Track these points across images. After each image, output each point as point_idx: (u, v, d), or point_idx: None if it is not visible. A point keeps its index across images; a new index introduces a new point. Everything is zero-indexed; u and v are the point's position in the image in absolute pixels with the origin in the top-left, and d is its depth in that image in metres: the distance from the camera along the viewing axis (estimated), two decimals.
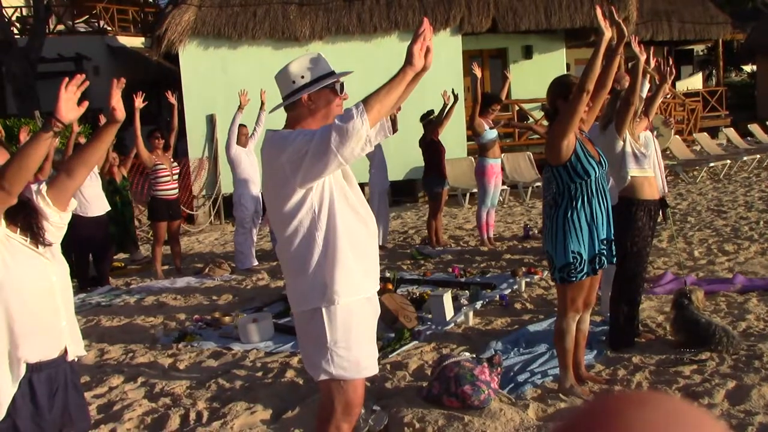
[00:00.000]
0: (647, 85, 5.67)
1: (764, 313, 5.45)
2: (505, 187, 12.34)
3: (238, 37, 13.16)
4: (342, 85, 2.92)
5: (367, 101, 2.59)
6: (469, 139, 13.13)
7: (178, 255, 8.89)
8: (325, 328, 2.77)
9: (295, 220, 2.76)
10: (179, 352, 5.61)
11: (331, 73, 2.89)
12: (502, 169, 10.03)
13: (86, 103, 2.54)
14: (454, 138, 12.62)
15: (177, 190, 8.68)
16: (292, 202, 2.75)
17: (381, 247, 8.59)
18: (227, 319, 6.27)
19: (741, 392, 4.03)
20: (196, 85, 13.05)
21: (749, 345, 4.74)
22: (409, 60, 2.63)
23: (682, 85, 24.64)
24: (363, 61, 12.33)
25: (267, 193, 2.92)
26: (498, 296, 6.37)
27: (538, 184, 12.76)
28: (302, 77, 2.83)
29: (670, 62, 5.19)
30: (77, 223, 7.89)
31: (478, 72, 8.47)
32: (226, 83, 12.50)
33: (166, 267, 8.83)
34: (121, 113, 2.63)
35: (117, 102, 2.63)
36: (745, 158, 15.05)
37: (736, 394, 4.03)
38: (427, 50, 2.66)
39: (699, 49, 27.45)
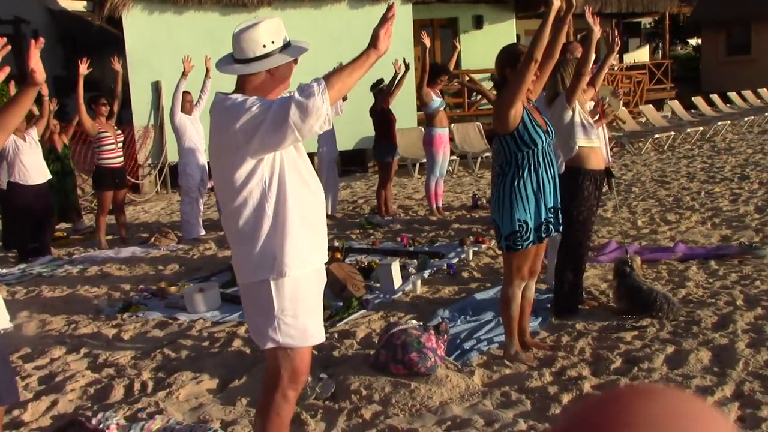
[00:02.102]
0: (593, 56, 5.71)
1: (703, 281, 5.60)
2: (454, 157, 12.39)
3: (183, 2, 12.82)
4: None
5: (329, 80, 2.55)
6: (418, 109, 13.12)
7: (123, 225, 8.73)
8: (273, 297, 2.74)
9: (245, 191, 2.69)
10: (124, 322, 5.52)
11: (290, 42, 2.83)
12: (451, 139, 10.06)
13: (7, 69, 2.44)
14: (403, 108, 12.57)
15: (122, 159, 8.50)
16: (243, 171, 2.67)
17: (330, 217, 8.57)
18: (173, 289, 6.18)
19: (679, 357, 4.14)
20: (140, 51, 12.71)
21: (688, 311, 4.87)
22: (374, 43, 2.61)
23: (630, 58, 25.00)
24: (312, 28, 12.16)
25: (215, 161, 2.82)
26: (446, 265, 6.41)
27: (487, 154, 12.84)
28: (272, 42, 2.74)
29: (617, 33, 5.23)
30: (17, 191, 7.70)
31: (427, 41, 8.44)
32: (172, 49, 12.17)
33: (110, 237, 8.67)
34: (40, 75, 2.52)
35: (36, 63, 2.53)
36: (688, 130, 15.35)
37: (674, 358, 4.14)
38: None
39: (646, 21, 27.84)
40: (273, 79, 2.77)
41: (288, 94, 2.65)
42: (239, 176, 2.69)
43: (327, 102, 2.51)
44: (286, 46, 2.79)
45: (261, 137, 2.58)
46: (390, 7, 2.64)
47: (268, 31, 2.74)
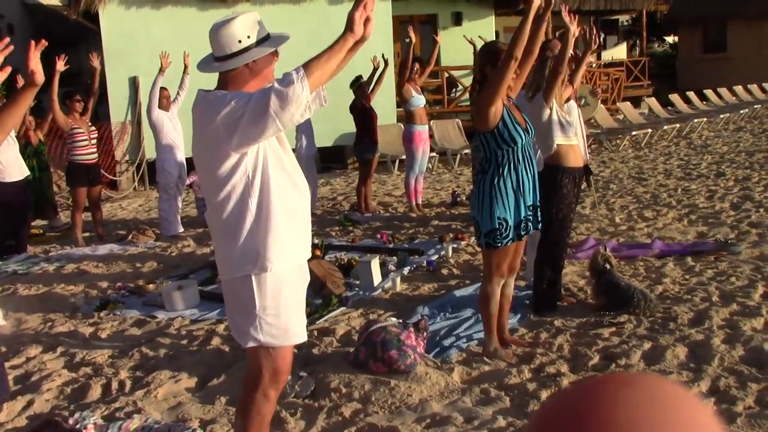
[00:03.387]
0: (569, 54, 5.73)
1: (680, 277, 5.65)
2: (433, 154, 12.39)
3: None
4: None
5: (307, 66, 2.53)
6: (398, 105, 13.12)
7: (99, 222, 8.64)
8: (255, 295, 2.73)
9: (228, 185, 2.69)
10: (101, 320, 5.47)
11: (269, 35, 2.81)
12: (431, 136, 10.07)
13: (9, 69, 2.43)
14: (383, 104, 12.56)
15: (96, 155, 8.40)
16: (226, 166, 2.66)
17: None
18: (151, 286, 6.13)
19: (656, 353, 4.18)
20: (117, 46, 12.59)
21: (665, 307, 4.92)
22: (349, 26, 2.59)
23: (607, 55, 25.16)
24: (291, 24, 12.09)
25: (198, 157, 2.81)
26: (425, 262, 6.42)
27: (467, 151, 12.87)
28: (248, 37, 2.72)
29: (595, 31, 5.26)
30: None
31: (413, 36, 8.43)
32: (150, 45, 12.08)
33: (87, 234, 8.58)
34: (40, 76, 2.51)
35: (36, 65, 2.51)
36: (665, 127, 15.48)
37: (651, 354, 4.18)
38: (367, 20, 2.62)
39: (624, 19, 28.06)
40: (252, 73, 2.76)
41: None
42: (223, 171, 2.68)
43: (307, 89, 2.50)
44: (265, 40, 2.77)
45: (243, 129, 2.56)
46: None
47: (244, 25, 2.73)
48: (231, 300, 2.87)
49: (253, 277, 2.72)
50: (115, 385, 4.17)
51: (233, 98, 2.60)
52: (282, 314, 2.77)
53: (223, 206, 2.72)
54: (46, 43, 2.56)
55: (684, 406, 0.69)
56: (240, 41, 2.71)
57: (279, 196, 2.72)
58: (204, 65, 2.83)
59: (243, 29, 2.72)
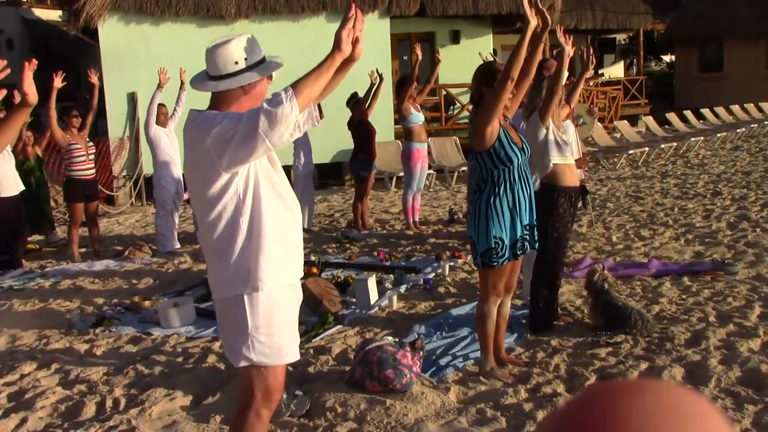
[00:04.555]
0: (565, 74, 5.76)
1: (676, 297, 5.64)
2: (431, 171, 12.40)
3: (160, 14, 12.78)
4: None
5: (296, 86, 2.54)
6: (396, 122, 13.15)
7: (96, 238, 8.62)
8: (247, 314, 2.72)
9: (219, 205, 2.69)
10: (96, 337, 5.45)
11: (264, 58, 2.82)
12: (429, 153, 10.10)
13: (4, 91, 2.44)
14: (381, 121, 12.59)
15: (94, 170, 8.41)
16: (217, 186, 2.67)
17: (306, 231, 8.54)
18: (147, 303, 6.12)
19: (653, 373, 4.17)
20: (116, 62, 12.63)
21: (662, 328, 4.91)
22: (337, 45, 2.61)
23: (605, 73, 25.25)
24: (289, 41, 12.18)
25: (189, 176, 2.82)
26: (422, 280, 6.41)
27: (464, 168, 12.89)
28: (245, 59, 2.74)
29: (591, 51, 5.28)
30: None
31: (419, 53, 8.48)
32: (149, 61, 12.12)
33: (83, 250, 8.57)
34: (33, 97, 2.52)
35: (29, 86, 2.52)
36: (662, 146, 15.52)
37: (648, 375, 4.16)
38: (356, 40, 2.64)
39: (621, 38, 28.18)
40: (248, 96, 2.77)
41: None
42: (213, 191, 2.68)
43: (296, 108, 2.51)
44: (260, 63, 2.78)
45: (233, 149, 2.58)
46: (350, 8, 2.64)
47: (241, 47, 2.75)
48: (223, 319, 2.87)
49: (245, 297, 2.72)
50: (109, 402, 4.15)
51: (224, 119, 2.61)
52: (274, 333, 2.77)
53: (214, 226, 2.72)
54: (37, 62, 2.57)
55: (699, 414, 0.68)
56: (236, 62, 2.73)
57: (270, 216, 2.72)
58: (198, 82, 2.83)
59: (239, 51, 2.74)
